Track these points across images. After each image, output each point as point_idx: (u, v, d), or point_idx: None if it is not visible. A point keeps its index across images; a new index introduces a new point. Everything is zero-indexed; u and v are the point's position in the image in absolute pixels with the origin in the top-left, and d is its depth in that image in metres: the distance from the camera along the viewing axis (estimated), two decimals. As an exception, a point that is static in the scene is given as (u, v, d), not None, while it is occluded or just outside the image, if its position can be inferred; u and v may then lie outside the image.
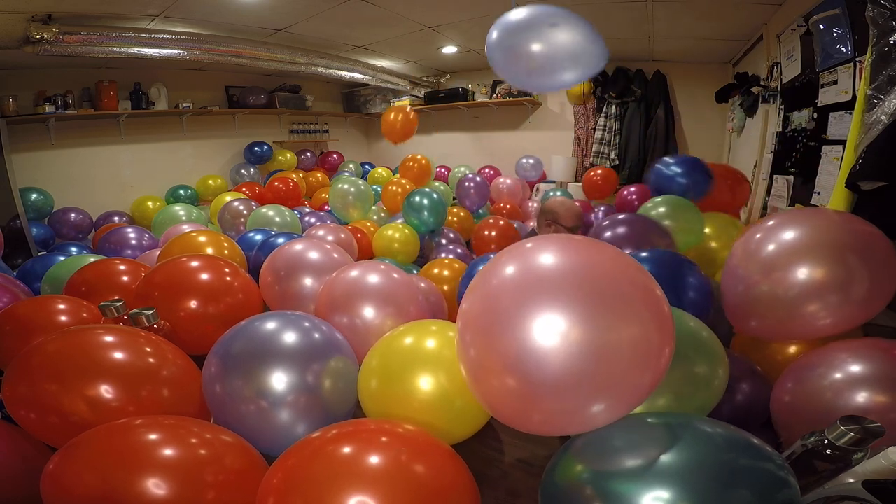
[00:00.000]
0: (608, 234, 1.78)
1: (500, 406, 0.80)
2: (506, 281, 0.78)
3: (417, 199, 3.32)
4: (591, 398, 0.72)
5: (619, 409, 0.75)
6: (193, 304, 1.46)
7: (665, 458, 0.67)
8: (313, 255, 1.72)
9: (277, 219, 2.93)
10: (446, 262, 2.50)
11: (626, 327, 0.71)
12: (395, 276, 1.51)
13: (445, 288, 2.23)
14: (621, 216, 1.88)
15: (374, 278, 1.46)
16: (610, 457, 0.72)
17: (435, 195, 3.38)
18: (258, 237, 2.41)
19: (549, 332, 0.70)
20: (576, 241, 0.82)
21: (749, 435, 0.73)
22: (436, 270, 2.43)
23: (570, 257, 0.77)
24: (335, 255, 1.77)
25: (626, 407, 0.75)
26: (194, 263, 1.57)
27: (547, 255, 0.77)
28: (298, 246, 1.75)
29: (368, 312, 1.39)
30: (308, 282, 1.65)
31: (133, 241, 2.77)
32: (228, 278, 1.57)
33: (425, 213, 3.29)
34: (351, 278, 1.48)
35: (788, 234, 1.11)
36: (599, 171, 4.30)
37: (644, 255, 1.49)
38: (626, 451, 0.71)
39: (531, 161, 5.11)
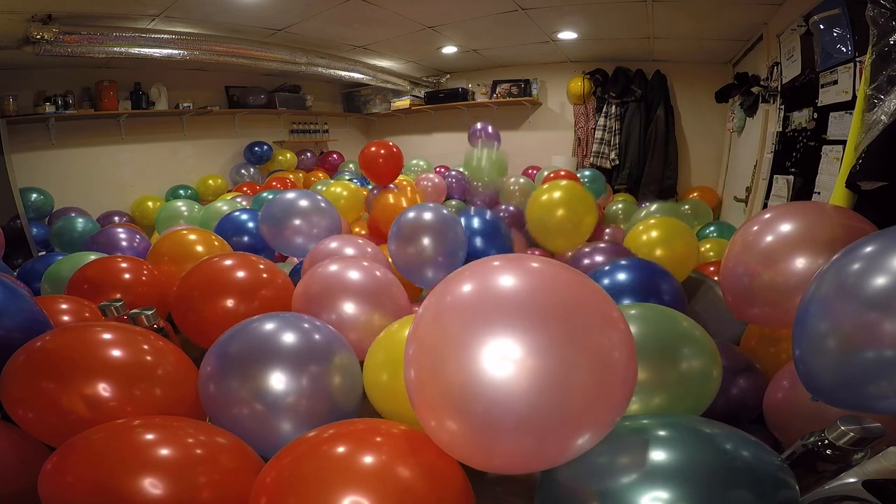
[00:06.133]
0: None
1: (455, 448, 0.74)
2: (457, 304, 0.72)
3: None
4: (558, 435, 0.67)
5: (591, 438, 0.69)
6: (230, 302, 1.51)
7: (664, 459, 0.67)
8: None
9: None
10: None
11: (584, 354, 0.66)
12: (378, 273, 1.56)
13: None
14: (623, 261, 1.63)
15: (354, 275, 1.51)
16: (608, 457, 0.71)
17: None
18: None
19: (503, 362, 0.64)
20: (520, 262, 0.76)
21: (748, 435, 0.72)
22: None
23: (518, 279, 0.71)
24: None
25: (598, 435, 0.70)
26: (227, 262, 1.62)
27: (505, 278, 0.72)
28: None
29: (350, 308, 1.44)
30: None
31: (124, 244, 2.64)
32: (265, 275, 1.62)
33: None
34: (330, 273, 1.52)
35: (785, 227, 1.13)
36: None
37: (623, 262, 1.55)
38: (624, 451, 0.70)
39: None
